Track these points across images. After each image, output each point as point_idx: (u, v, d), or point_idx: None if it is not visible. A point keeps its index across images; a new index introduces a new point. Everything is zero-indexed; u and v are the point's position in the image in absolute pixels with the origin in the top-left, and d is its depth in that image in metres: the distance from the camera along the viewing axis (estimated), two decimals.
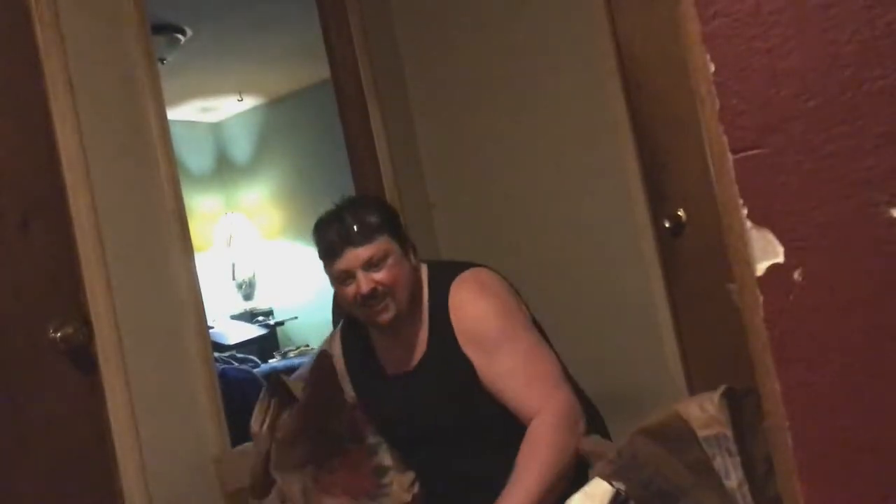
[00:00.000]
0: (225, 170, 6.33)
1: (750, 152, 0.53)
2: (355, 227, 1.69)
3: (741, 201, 0.54)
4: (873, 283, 0.52)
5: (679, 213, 2.54)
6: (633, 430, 1.37)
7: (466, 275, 1.78)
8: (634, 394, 2.60)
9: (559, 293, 2.78)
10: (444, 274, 1.80)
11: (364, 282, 1.68)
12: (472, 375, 1.70)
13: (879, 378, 0.53)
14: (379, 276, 1.69)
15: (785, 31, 0.53)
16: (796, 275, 0.53)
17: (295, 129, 5.89)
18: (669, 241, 2.62)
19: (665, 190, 2.62)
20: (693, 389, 2.58)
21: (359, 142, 3.12)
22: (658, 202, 2.65)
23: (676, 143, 2.49)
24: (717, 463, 1.26)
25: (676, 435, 1.29)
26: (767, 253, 0.53)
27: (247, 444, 2.27)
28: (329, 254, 1.72)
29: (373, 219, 1.71)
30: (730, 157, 0.54)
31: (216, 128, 6.37)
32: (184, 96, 5.40)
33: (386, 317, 1.72)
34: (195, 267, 2.27)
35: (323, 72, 3.33)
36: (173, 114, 5.50)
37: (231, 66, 5.05)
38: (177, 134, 2.40)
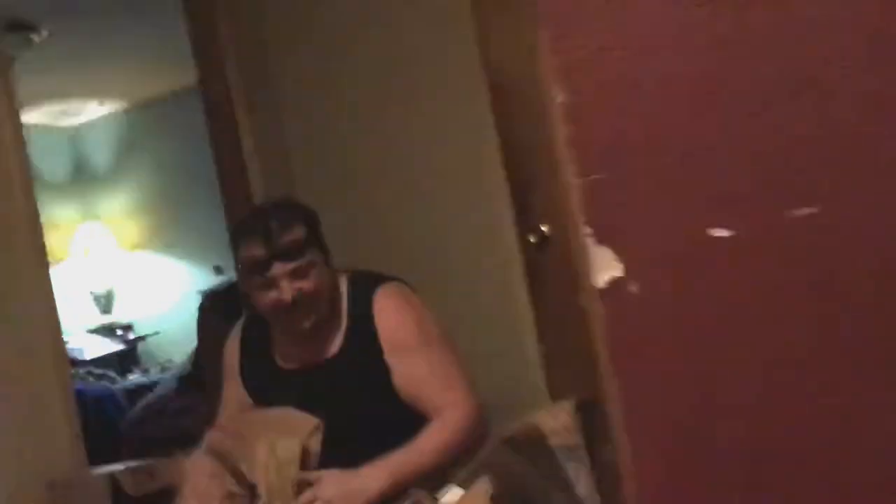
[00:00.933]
0: (83, 177, 6.05)
1: (593, 177, 0.58)
2: (284, 241, 1.69)
3: (585, 220, 0.59)
4: (700, 293, 0.58)
5: (543, 228, 2.64)
6: (493, 439, 1.42)
7: (391, 285, 1.85)
8: (499, 403, 2.67)
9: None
10: (367, 282, 1.84)
11: (288, 290, 1.69)
12: (385, 383, 1.74)
13: (703, 375, 0.59)
14: (303, 284, 1.70)
15: (627, 67, 0.59)
16: (633, 287, 0.58)
17: (159, 135, 5.70)
18: (534, 255, 2.72)
19: (530, 205, 2.72)
20: (555, 396, 2.68)
21: (226, 151, 3.07)
22: (523, 217, 2.75)
23: (540, 162, 2.59)
24: (570, 472, 1.33)
25: (533, 445, 1.35)
26: (608, 267, 0.59)
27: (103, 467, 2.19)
28: (254, 265, 1.71)
29: (300, 231, 1.71)
30: (575, 181, 0.59)
31: (74, 133, 6.08)
32: (38, 99, 5.12)
33: (307, 324, 1.74)
34: (50, 280, 2.18)
35: (189, 77, 3.26)
36: (26, 117, 5.21)
37: (91, 68, 4.84)
38: (31, 138, 2.29)
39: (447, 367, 1.76)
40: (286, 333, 1.82)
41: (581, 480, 1.33)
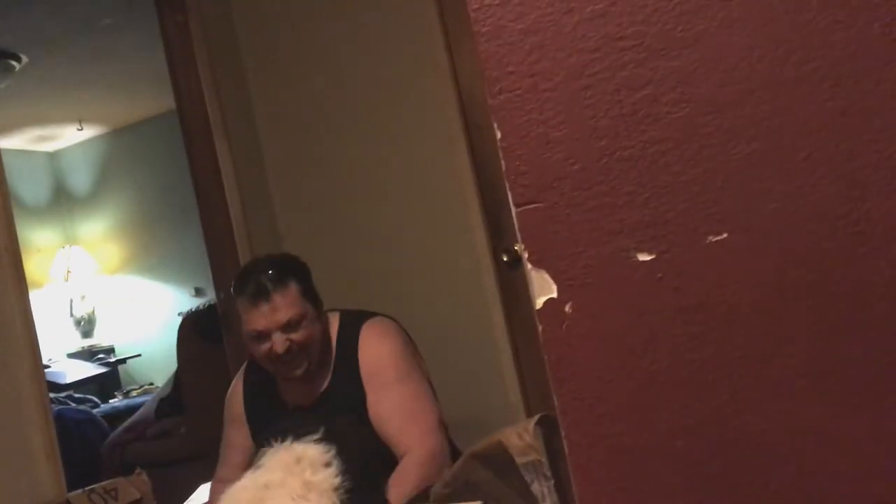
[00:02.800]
0: (63, 201, 6.05)
1: (529, 206, 0.64)
2: (275, 294, 1.79)
3: (523, 246, 0.64)
4: (626, 313, 0.63)
5: (516, 247, 2.71)
6: (465, 454, 1.47)
7: (376, 320, 1.95)
8: (478, 418, 2.71)
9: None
10: (356, 319, 1.95)
11: (279, 342, 1.79)
12: (362, 413, 1.82)
13: (633, 392, 0.64)
14: (294, 336, 1.80)
15: (555, 106, 0.64)
16: (567, 308, 0.63)
17: (138, 159, 5.72)
18: (508, 274, 2.78)
19: (503, 225, 2.78)
20: (530, 411, 2.73)
21: (205, 174, 3.11)
22: (497, 237, 2.81)
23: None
24: (535, 488, 1.37)
25: (500, 462, 1.40)
26: (544, 289, 0.64)
27: (83, 489, 2.20)
28: (247, 315, 1.81)
29: (292, 284, 1.82)
30: (515, 209, 0.65)
31: (54, 157, 6.09)
32: (18, 124, 5.14)
33: (298, 372, 1.84)
34: (30, 305, 2.20)
35: (168, 101, 3.30)
36: (6, 142, 5.21)
37: (70, 94, 4.87)
38: (10, 163, 2.32)
39: (416, 402, 1.83)
40: (281, 379, 1.91)
41: (546, 497, 1.37)
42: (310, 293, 1.87)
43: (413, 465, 1.74)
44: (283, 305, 1.78)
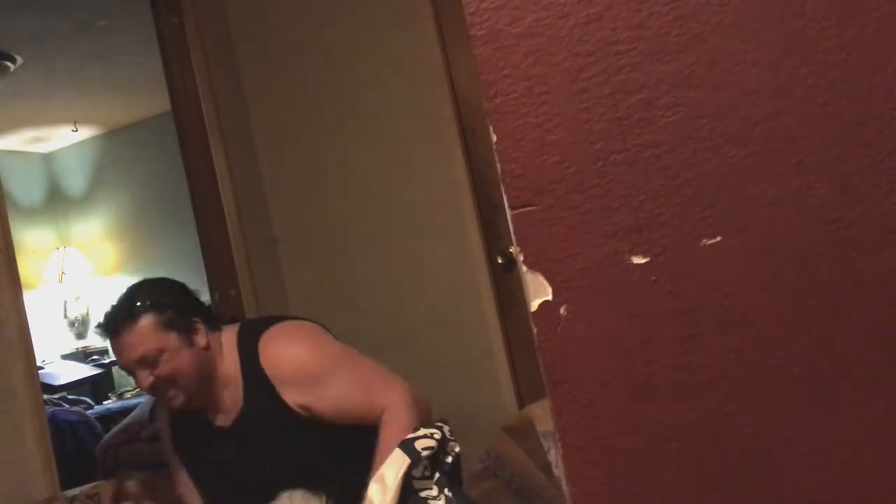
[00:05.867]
0: (57, 202, 6.04)
1: (525, 208, 0.64)
2: (123, 332, 1.71)
3: (518, 249, 0.65)
4: (621, 315, 0.64)
5: (511, 249, 2.71)
6: (498, 430, 1.49)
7: (273, 330, 1.82)
8: (473, 419, 2.72)
9: (400, 326, 2.89)
10: (252, 334, 1.83)
11: (143, 378, 1.73)
12: (294, 422, 1.74)
13: (628, 394, 0.65)
14: (157, 370, 1.72)
15: (551, 110, 0.65)
16: (562, 310, 0.64)
17: (133, 161, 5.72)
18: (502, 276, 2.79)
19: (498, 228, 2.79)
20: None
21: (200, 176, 3.10)
22: (492, 239, 2.82)
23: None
24: (551, 455, 1.39)
25: (529, 435, 1.42)
26: (539, 292, 0.64)
27: (77, 488, 2.20)
28: (111, 352, 1.78)
29: (143, 319, 1.72)
30: (510, 212, 0.65)
31: (48, 158, 6.08)
32: (13, 125, 5.14)
33: (175, 403, 1.76)
34: (24, 306, 2.19)
35: (163, 103, 3.30)
36: (1, 143, 5.20)
37: (65, 95, 4.86)
38: (4, 164, 2.32)
39: (362, 374, 1.76)
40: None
41: (559, 463, 1.38)
42: (172, 322, 1.74)
43: (396, 417, 1.66)
44: (131, 343, 1.70)
